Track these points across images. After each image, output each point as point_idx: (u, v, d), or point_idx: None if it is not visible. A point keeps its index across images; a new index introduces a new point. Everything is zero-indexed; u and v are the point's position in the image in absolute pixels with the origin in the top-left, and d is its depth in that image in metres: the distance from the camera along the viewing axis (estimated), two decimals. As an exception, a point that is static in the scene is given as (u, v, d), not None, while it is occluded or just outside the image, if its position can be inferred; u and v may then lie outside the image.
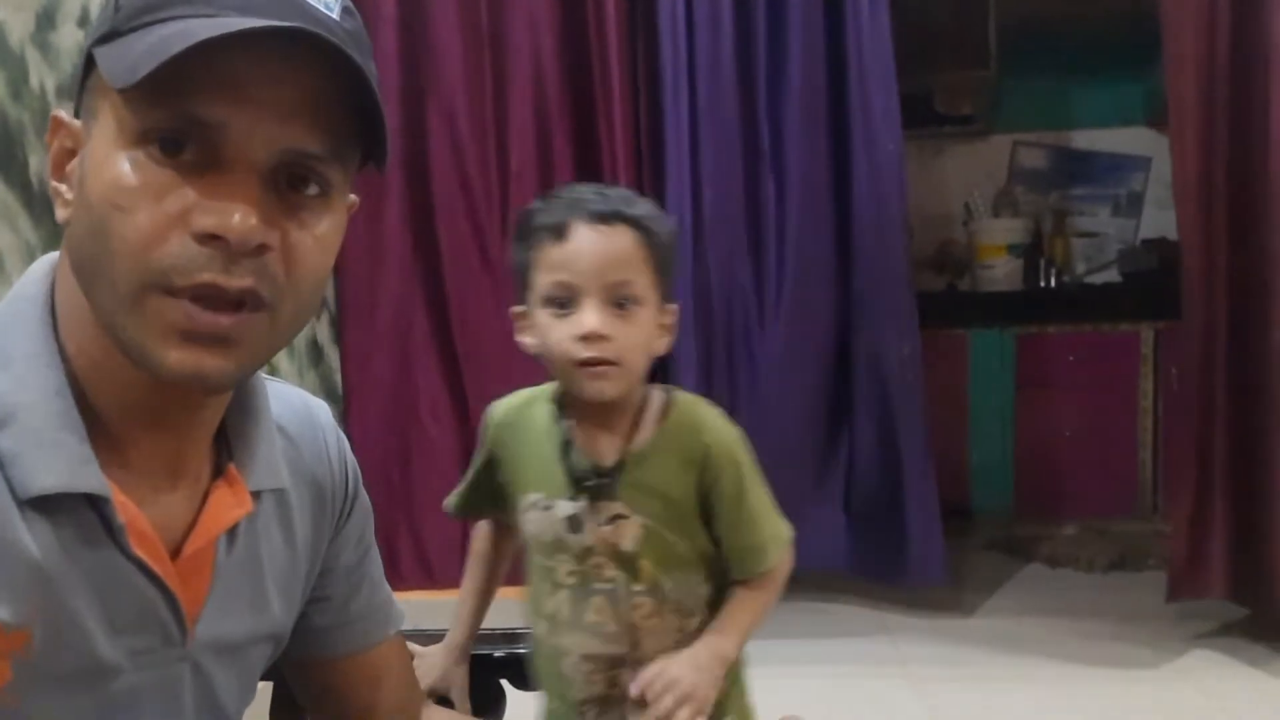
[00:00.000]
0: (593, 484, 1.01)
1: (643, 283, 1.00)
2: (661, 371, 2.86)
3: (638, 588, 1.01)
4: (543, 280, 1.00)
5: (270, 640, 0.78)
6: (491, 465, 1.09)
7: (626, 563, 1.01)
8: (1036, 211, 4.02)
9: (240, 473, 0.71)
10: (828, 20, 2.59)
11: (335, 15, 0.63)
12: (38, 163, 1.68)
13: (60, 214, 0.65)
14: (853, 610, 2.84)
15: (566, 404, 1.05)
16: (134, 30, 0.60)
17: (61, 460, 0.61)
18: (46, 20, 1.72)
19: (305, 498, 0.79)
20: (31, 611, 0.60)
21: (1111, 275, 3.96)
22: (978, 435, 3.65)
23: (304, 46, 0.59)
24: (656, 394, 1.05)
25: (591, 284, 0.98)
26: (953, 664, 2.50)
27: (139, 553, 0.65)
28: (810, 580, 2.74)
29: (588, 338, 0.97)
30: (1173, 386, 3.42)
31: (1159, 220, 3.90)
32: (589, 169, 2.55)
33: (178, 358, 0.60)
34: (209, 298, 0.60)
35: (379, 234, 2.63)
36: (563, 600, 1.03)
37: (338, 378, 2.70)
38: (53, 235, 1.71)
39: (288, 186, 0.63)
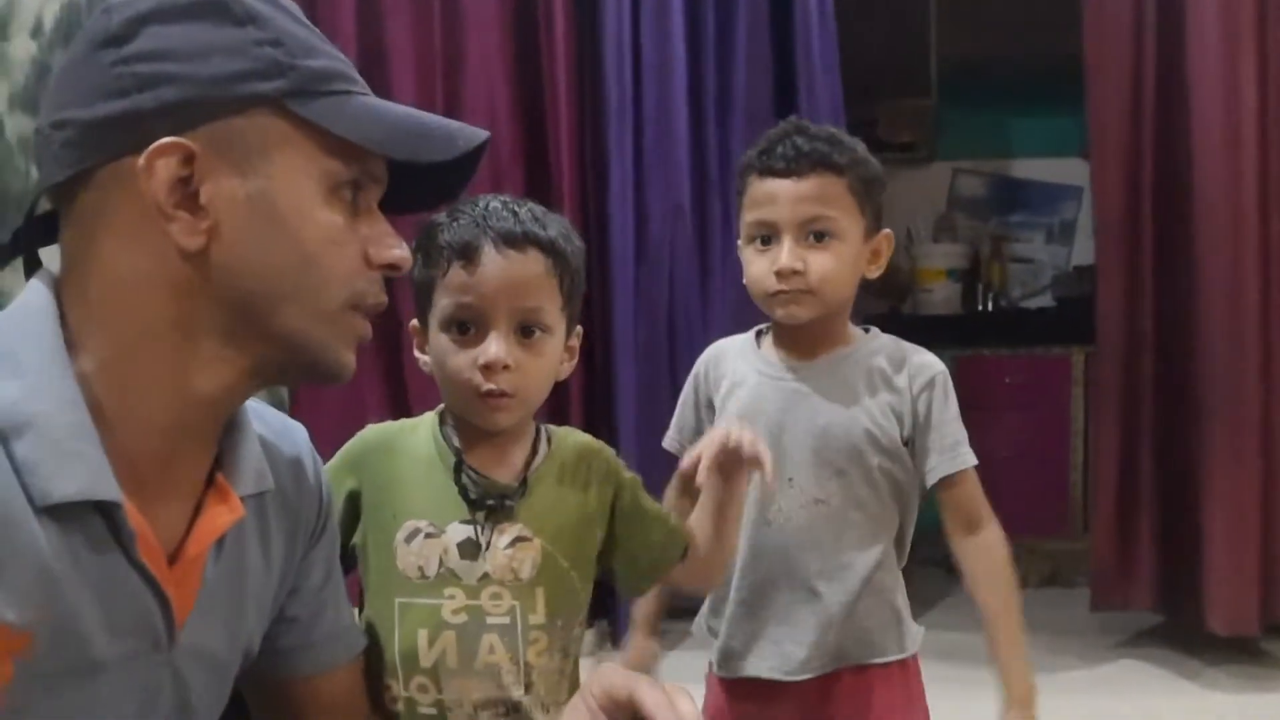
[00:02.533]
0: (494, 504, 0.95)
1: (552, 310, 0.95)
2: (604, 402, 2.85)
3: (534, 620, 0.95)
4: (445, 302, 0.94)
5: (242, 652, 0.80)
6: (349, 502, 0.97)
7: (524, 593, 0.95)
8: (975, 237, 4.14)
9: (228, 480, 0.74)
10: (776, 50, 2.67)
11: None
12: (-13, 171, 1.68)
13: (190, 241, 0.67)
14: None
15: (456, 426, 0.99)
16: (332, 94, 0.70)
17: (80, 469, 0.64)
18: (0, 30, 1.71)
19: (281, 514, 0.82)
20: (37, 614, 0.62)
21: (1045, 300, 4.09)
22: (918, 455, 3.74)
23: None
24: (538, 424, 1.02)
25: (498, 311, 0.92)
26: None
27: (144, 559, 0.67)
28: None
29: (490, 367, 0.92)
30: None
31: (1090, 248, 4.03)
32: (537, 192, 2.59)
33: (350, 359, 0.75)
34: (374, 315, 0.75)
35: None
36: (449, 644, 0.94)
37: (284, 391, 2.68)
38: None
39: None
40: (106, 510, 0.65)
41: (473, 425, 0.98)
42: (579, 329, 1.02)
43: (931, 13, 3.86)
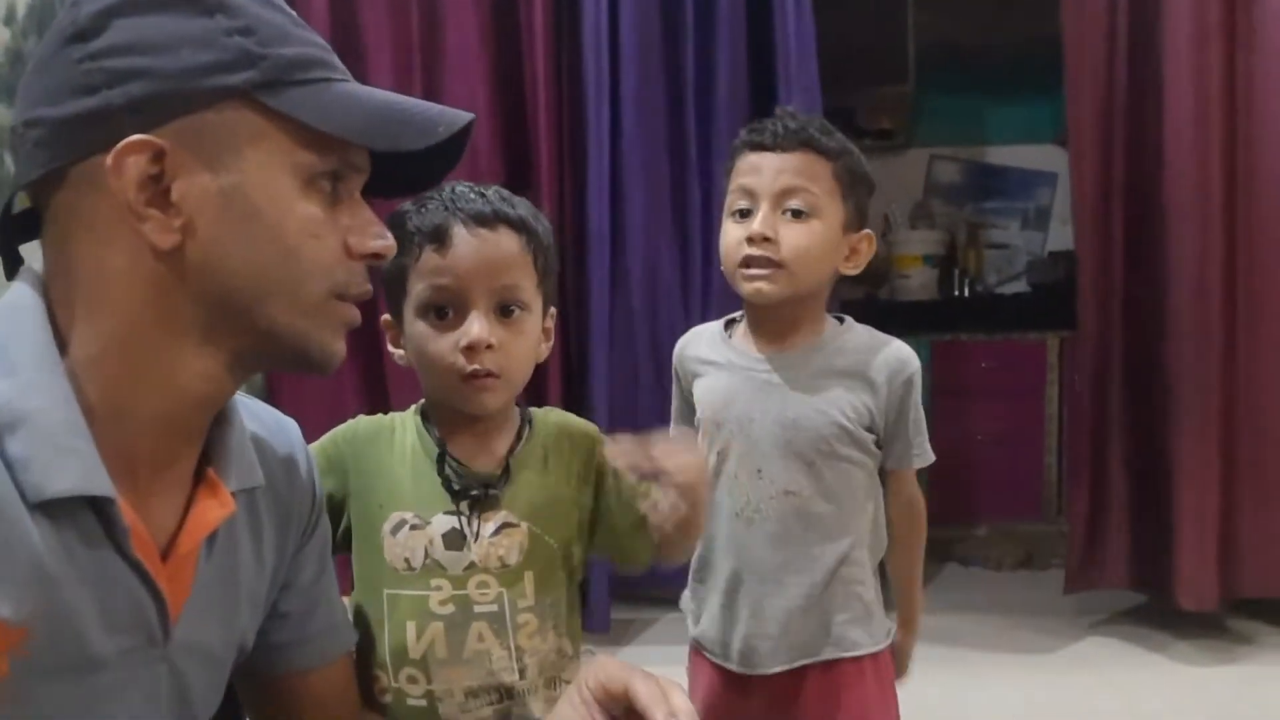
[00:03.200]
0: (478, 494, 0.95)
1: (528, 286, 0.95)
2: (579, 378, 2.86)
3: (524, 603, 0.95)
4: (420, 287, 0.93)
5: (236, 647, 0.80)
6: (329, 496, 0.95)
7: (511, 578, 0.95)
8: (951, 224, 4.16)
9: (219, 475, 0.74)
10: (753, 38, 2.68)
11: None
12: (-38, 160, 1.66)
13: (163, 240, 0.65)
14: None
15: (438, 418, 0.99)
16: (305, 83, 0.68)
17: (74, 465, 0.63)
18: (-27, 18, 1.69)
19: (272, 510, 0.82)
20: (32, 610, 0.62)
21: (1021, 286, 4.12)
22: (895, 439, 3.76)
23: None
24: (522, 409, 1.02)
25: (476, 289, 0.92)
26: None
27: (137, 555, 0.67)
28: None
29: (473, 347, 0.91)
30: (1076, 389, 3.58)
31: (1065, 234, 4.07)
32: (517, 178, 2.58)
33: (340, 346, 0.73)
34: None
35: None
36: (436, 635, 0.93)
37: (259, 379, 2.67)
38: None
39: None
40: (99, 506, 0.65)
41: (454, 415, 0.97)
42: (553, 310, 1.01)
43: (909, 0, 3.87)
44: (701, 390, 1.26)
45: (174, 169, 0.65)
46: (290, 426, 0.86)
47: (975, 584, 3.22)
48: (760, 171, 1.18)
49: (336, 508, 0.98)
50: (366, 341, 2.55)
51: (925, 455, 1.25)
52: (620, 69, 2.61)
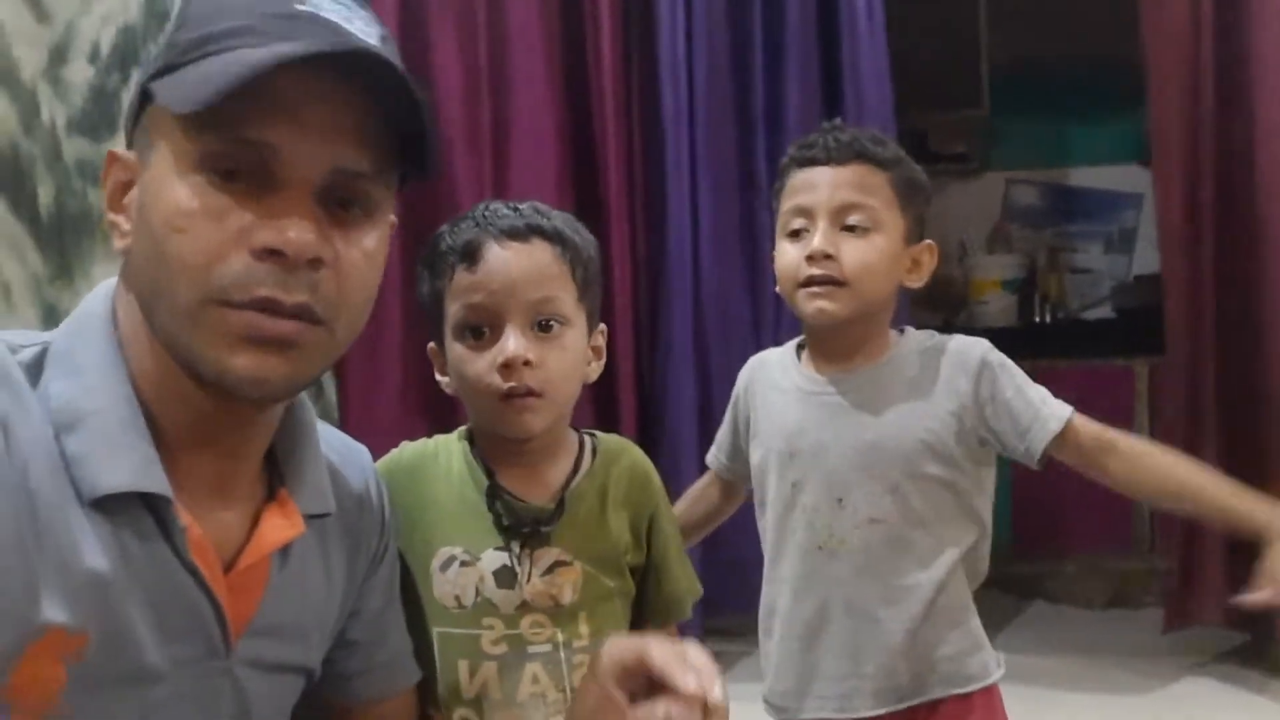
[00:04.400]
0: (529, 530, 0.91)
1: (568, 300, 0.90)
2: (657, 406, 2.83)
3: (579, 644, 0.91)
4: (455, 307, 0.90)
5: (302, 672, 0.79)
6: None
7: (565, 618, 0.91)
8: (1030, 248, 4.06)
9: (291, 496, 0.73)
10: (825, 60, 2.65)
11: (374, 41, 0.65)
12: (46, 195, 1.71)
13: (119, 244, 0.67)
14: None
15: (485, 445, 0.95)
16: (190, 63, 0.63)
17: (130, 461, 0.63)
18: (58, 56, 1.75)
19: (342, 536, 0.80)
20: (89, 616, 0.61)
21: (1105, 311, 3.99)
22: (975, 470, 3.66)
23: (348, 69, 0.62)
24: (583, 435, 0.98)
25: (511, 305, 0.88)
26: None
27: (194, 559, 0.66)
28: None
29: (509, 364, 0.87)
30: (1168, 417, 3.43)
31: (1152, 257, 3.92)
32: (587, 210, 2.58)
33: (243, 363, 0.62)
34: (268, 310, 0.62)
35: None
36: (490, 675, 0.90)
37: (335, 414, 2.69)
38: (60, 268, 1.74)
39: (336, 206, 0.65)
40: (155, 506, 0.64)
41: (503, 443, 0.93)
42: (602, 327, 0.97)
43: (982, 21, 3.80)
44: (771, 419, 1.22)
45: (134, 175, 0.66)
46: (362, 453, 0.86)
47: (1065, 622, 3.09)
48: (815, 188, 1.14)
49: None
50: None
51: (1058, 411, 1.14)
52: (694, 97, 2.61)
